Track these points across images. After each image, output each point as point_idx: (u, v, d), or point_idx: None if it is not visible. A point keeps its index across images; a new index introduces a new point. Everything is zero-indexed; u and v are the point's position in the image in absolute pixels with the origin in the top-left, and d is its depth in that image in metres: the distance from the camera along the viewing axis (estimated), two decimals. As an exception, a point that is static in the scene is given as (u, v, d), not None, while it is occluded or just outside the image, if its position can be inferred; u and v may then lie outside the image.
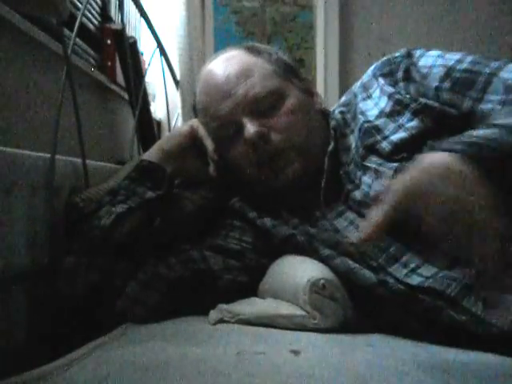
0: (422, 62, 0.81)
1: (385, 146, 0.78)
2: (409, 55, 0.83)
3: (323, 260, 0.79)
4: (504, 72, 0.73)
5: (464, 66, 0.77)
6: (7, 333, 0.70)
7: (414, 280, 0.71)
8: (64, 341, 0.68)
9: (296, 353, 0.58)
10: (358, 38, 2.72)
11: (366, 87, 0.87)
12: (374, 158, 0.79)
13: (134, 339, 0.67)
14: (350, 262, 0.76)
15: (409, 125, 0.77)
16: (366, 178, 0.79)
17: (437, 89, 0.77)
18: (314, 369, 0.53)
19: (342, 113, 0.89)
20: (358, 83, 0.89)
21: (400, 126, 0.78)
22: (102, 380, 0.51)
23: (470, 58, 0.78)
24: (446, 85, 0.77)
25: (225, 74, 0.86)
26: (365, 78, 0.88)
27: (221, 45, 2.67)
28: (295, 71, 0.92)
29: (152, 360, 0.57)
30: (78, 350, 0.61)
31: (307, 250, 0.81)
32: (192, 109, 0.97)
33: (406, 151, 0.76)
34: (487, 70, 0.75)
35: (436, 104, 0.76)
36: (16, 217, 0.71)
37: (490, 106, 0.73)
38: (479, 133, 0.64)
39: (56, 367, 0.55)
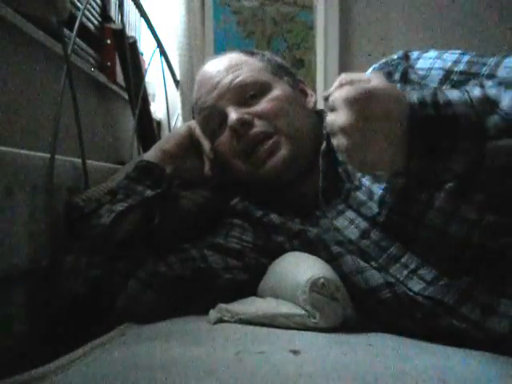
0: (419, 65, 0.81)
1: None
2: (406, 57, 0.83)
3: (334, 256, 0.78)
4: (502, 70, 0.71)
5: (461, 67, 0.76)
6: (7, 333, 0.70)
7: (415, 286, 0.72)
8: (64, 341, 0.68)
9: (296, 352, 0.58)
10: (357, 38, 2.72)
11: None
12: None
13: (134, 339, 0.67)
14: (361, 261, 0.76)
15: None
16: (365, 180, 0.79)
17: None
18: (314, 368, 0.53)
19: None
20: None
21: None
22: (102, 380, 0.51)
23: (466, 58, 0.77)
24: (446, 87, 0.76)
25: (215, 69, 0.89)
26: None
27: (221, 45, 2.66)
28: (288, 71, 0.93)
29: (152, 360, 0.57)
30: (77, 349, 0.61)
31: (318, 245, 0.81)
32: (191, 110, 0.98)
33: None
34: (485, 71, 0.73)
35: None
36: (16, 217, 0.71)
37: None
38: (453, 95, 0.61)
39: (56, 367, 0.55)
